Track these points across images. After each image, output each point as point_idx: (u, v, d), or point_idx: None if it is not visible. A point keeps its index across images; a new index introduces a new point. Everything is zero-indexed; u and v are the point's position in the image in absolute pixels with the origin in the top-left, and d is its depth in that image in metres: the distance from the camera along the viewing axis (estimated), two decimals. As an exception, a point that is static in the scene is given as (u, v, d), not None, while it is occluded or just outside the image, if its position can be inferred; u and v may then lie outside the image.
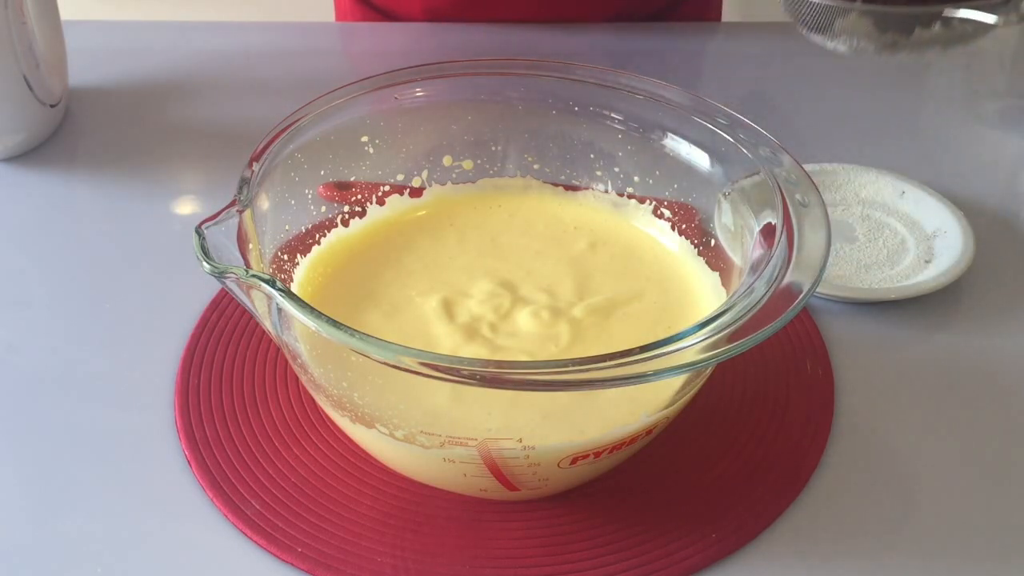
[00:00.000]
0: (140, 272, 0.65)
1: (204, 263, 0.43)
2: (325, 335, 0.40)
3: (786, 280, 0.43)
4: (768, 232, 0.47)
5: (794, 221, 0.47)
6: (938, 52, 0.42)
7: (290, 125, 0.52)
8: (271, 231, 0.52)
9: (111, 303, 0.62)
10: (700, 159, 0.54)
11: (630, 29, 0.95)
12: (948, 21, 0.40)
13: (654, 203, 0.58)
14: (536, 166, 0.60)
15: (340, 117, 0.54)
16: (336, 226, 0.58)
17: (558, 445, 0.45)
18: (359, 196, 0.58)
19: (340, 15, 1.07)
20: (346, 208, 0.58)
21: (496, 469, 0.45)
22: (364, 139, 0.57)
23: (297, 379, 0.56)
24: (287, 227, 0.54)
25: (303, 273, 0.55)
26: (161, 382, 0.57)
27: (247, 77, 0.86)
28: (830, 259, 0.46)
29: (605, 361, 0.39)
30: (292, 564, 0.48)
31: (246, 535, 0.49)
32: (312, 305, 0.41)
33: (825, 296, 0.63)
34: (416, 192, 0.60)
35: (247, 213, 0.46)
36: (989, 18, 0.39)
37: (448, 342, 0.50)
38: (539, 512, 0.50)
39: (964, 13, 0.39)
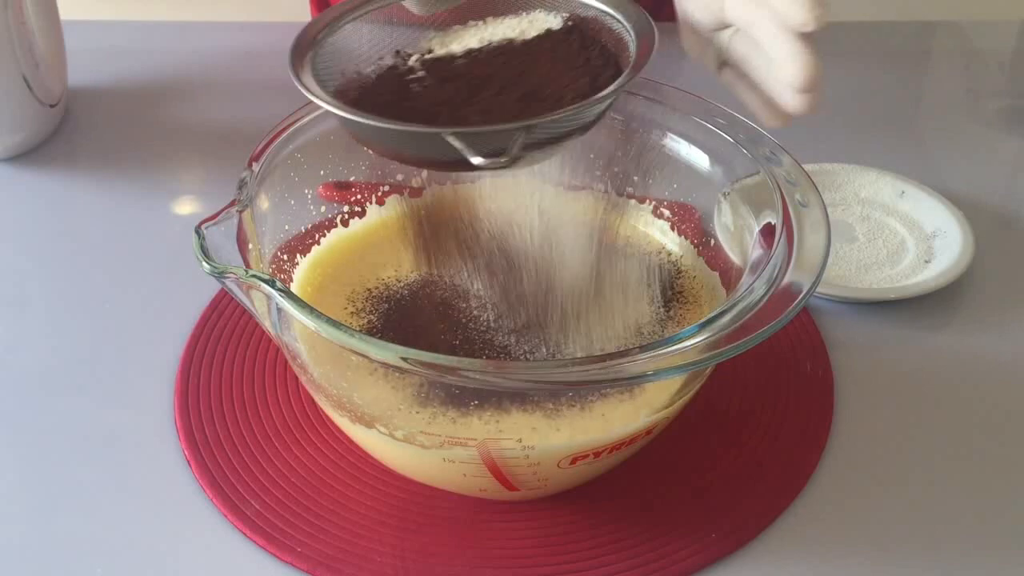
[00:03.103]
0: (140, 272, 0.65)
1: (204, 263, 0.43)
2: (325, 335, 0.40)
3: (786, 280, 0.43)
4: (768, 232, 0.47)
5: (794, 221, 0.47)
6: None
7: (290, 125, 0.52)
8: (271, 231, 0.52)
9: (111, 303, 0.62)
10: (700, 159, 0.54)
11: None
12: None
13: (654, 203, 0.58)
14: (536, 166, 0.60)
15: (340, 117, 0.54)
16: (336, 226, 0.58)
17: (558, 445, 0.45)
18: (359, 196, 0.58)
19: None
20: (346, 208, 0.58)
21: (496, 469, 0.45)
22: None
23: (297, 379, 0.56)
24: (287, 227, 0.54)
25: (303, 273, 0.55)
26: (161, 382, 0.57)
27: (247, 77, 0.85)
28: (830, 259, 0.46)
29: (605, 361, 0.39)
30: (292, 564, 0.48)
31: (246, 535, 0.49)
32: (312, 305, 0.41)
33: (825, 296, 0.63)
34: (416, 192, 0.60)
35: (247, 213, 0.46)
36: (474, 157, 0.41)
37: (448, 341, 0.50)
38: (539, 512, 0.50)
39: (452, 139, 0.40)
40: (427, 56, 0.49)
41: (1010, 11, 1.09)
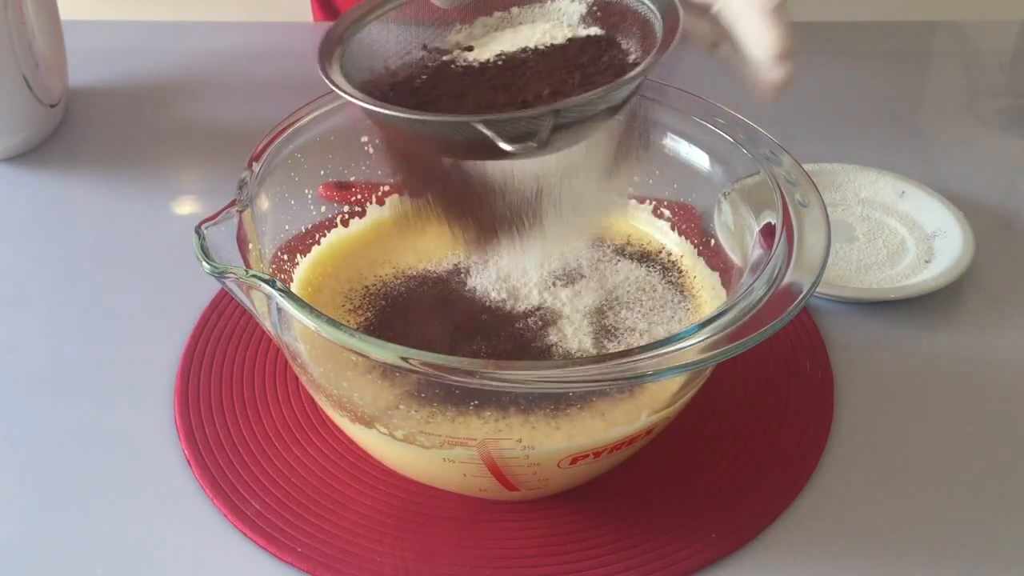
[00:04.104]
0: (140, 272, 0.65)
1: (204, 263, 0.43)
2: (325, 335, 0.40)
3: (786, 280, 0.43)
4: (768, 232, 0.47)
5: (794, 221, 0.47)
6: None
7: (290, 125, 0.52)
8: (271, 231, 0.52)
9: (111, 303, 0.62)
10: (700, 159, 0.54)
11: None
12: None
13: (654, 203, 0.58)
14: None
15: (340, 117, 0.54)
16: (336, 226, 0.58)
17: (558, 445, 0.45)
18: (359, 196, 0.58)
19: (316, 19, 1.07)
20: (346, 208, 0.58)
21: (496, 469, 0.45)
22: (364, 139, 0.57)
23: (297, 379, 0.56)
24: (287, 227, 0.54)
25: (303, 273, 0.55)
26: (161, 382, 0.57)
27: (247, 77, 0.85)
28: (830, 259, 0.46)
29: (605, 361, 0.39)
30: (292, 564, 0.48)
31: (246, 535, 0.49)
32: (312, 305, 0.41)
33: (825, 296, 0.63)
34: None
35: (247, 213, 0.46)
36: (506, 145, 0.42)
37: (447, 341, 0.50)
38: (538, 512, 0.50)
39: (484, 128, 0.41)
40: (453, 51, 0.49)
41: (1010, 11, 1.09)
